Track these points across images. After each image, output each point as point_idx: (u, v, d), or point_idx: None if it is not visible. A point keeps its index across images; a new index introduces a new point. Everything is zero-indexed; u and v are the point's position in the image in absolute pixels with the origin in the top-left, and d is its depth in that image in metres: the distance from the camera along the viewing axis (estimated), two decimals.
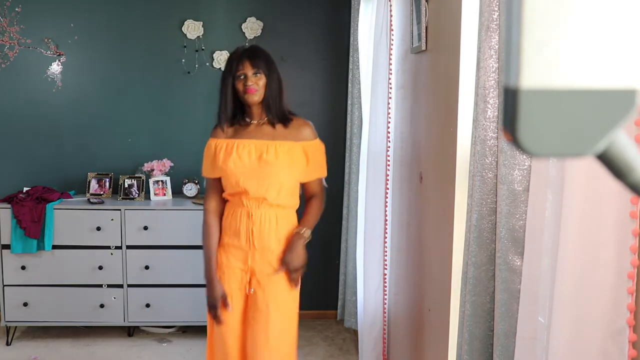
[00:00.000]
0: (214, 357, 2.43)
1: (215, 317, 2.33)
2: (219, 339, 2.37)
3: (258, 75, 2.28)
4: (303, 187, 2.42)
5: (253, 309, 2.34)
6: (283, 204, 2.33)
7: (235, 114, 2.35)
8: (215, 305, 2.32)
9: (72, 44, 3.96)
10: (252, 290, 2.33)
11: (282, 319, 2.34)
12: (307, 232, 2.36)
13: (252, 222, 2.30)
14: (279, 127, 2.33)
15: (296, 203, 2.40)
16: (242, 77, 2.27)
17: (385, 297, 3.13)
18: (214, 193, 2.40)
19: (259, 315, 2.32)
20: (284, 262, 2.31)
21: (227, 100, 2.30)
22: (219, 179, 2.36)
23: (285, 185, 2.31)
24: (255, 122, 2.34)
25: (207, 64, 4.01)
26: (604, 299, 1.13)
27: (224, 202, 2.41)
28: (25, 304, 3.67)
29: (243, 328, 2.37)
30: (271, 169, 2.27)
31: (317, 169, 2.38)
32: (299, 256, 2.33)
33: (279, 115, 2.32)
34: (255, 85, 2.26)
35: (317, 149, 2.38)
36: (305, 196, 2.46)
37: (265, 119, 2.34)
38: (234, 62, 2.29)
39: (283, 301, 2.35)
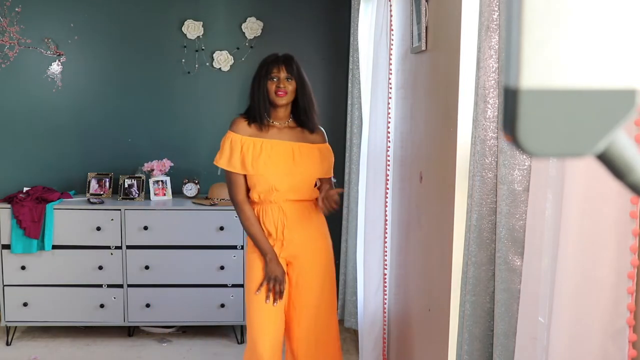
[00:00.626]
0: (256, 340, 2.52)
1: (279, 294, 2.49)
2: (267, 319, 2.50)
3: (290, 80, 2.48)
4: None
5: (296, 295, 2.57)
6: (308, 197, 2.57)
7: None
8: (281, 280, 2.50)
9: (72, 44, 3.96)
10: (294, 274, 2.58)
11: (321, 298, 2.58)
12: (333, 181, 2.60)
13: (284, 217, 2.51)
14: (298, 130, 2.55)
15: (316, 193, 2.60)
16: (275, 79, 2.47)
17: (385, 297, 3.13)
18: (241, 185, 2.52)
19: (301, 300, 2.56)
20: (327, 193, 2.46)
21: (264, 99, 2.48)
22: (244, 175, 2.51)
23: (309, 182, 2.56)
24: (277, 124, 2.53)
25: (207, 64, 4.01)
26: (604, 299, 1.13)
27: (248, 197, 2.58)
28: (25, 304, 3.67)
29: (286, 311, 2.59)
30: (299, 169, 2.50)
31: (327, 169, 2.63)
32: (334, 192, 2.47)
33: (311, 124, 2.53)
34: (286, 89, 2.46)
35: (328, 151, 2.65)
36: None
37: (289, 122, 2.54)
38: (270, 64, 2.49)
39: (320, 282, 2.60)
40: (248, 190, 2.55)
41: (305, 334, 2.58)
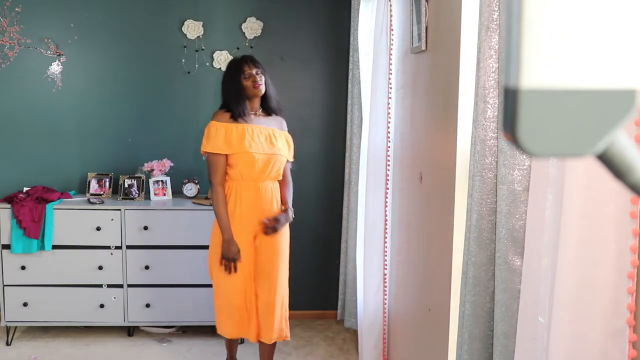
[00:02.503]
0: (224, 303, 2.97)
1: (234, 268, 2.87)
2: (232, 287, 2.92)
3: (259, 74, 2.88)
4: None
5: (261, 259, 2.95)
6: (277, 178, 2.98)
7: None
8: (234, 259, 2.86)
9: (72, 44, 3.96)
10: (258, 243, 2.94)
11: (283, 260, 3.00)
12: (291, 212, 3.02)
13: (258, 193, 2.89)
14: (269, 118, 2.96)
15: (280, 177, 3.02)
16: (248, 75, 2.86)
17: (385, 297, 3.13)
18: (221, 168, 2.88)
19: (267, 261, 2.95)
20: (275, 219, 2.91)
21: (241, 97, 2.86)
22: (225, 157, 2.86)
23: (282, 163, 2.95)
24: (253, 114, 2.92)
25: (207, 64, 4.01)
26: (604, 299, 1.13)
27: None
28: (25, 304, 3.67)
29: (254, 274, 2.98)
30: (276, 151, 2.90)
31: (291, 154, 3.06)
32: (282, 224, 2.94)
33: (276, 106, 2.96)
34: (261, 81, 2.87)
35: (290, 138, 3.06)
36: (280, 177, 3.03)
37: (260, 110, 2.95)
38: (241, 64, 2.88)
39: (282, 249, 2.99)
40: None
41: (266, 295, 2.96)
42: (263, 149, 2.85)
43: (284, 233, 3.00)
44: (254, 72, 2.85)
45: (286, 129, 3.05)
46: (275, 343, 3.05)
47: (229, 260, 2.87)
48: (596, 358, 1.14)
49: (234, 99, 2.85)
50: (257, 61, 2.91)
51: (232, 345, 3.27)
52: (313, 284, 4.22)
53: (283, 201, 3.02)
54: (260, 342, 3.05)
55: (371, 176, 3.16)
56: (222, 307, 2.99)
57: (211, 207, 3.69)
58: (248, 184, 2.88)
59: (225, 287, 2.94)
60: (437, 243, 2.23)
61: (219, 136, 2.82)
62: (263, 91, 2.88)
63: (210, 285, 3.72)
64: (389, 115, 2.96)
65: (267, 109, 2.95)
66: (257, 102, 2.92)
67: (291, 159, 3.07)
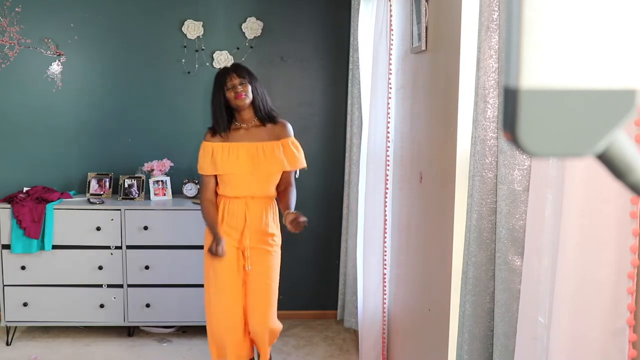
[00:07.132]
0: (213, 316, 2.99)
1: (219, 252, 2.80)
2: (221, 299, 2.91)
3: (244, 83, 2.81)
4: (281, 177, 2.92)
5: (251, 278, 2.91)
6: (269, 195, 2.90)
7: (229, 121, 2.87)
8: (219, 241, 2.80)
9: (72, 44, 3.96)
10: (249, 267, 2.89)
11: (271, 279, 2.93)
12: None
13: (247, 211, 2.85)
14: (267, 126, 2.88)
15: (275, 193, 2.94)
16: (231, 87, 2.81)
17: (385, 297, 3.13)
18: (211, 187, 2.92)
19: (256, 279, 2.91)
20: (291, 217, 2.76)
21: (221, 112, 2.84)
22: (214, 176, 2.89)
23: (271, 180, 2.88)
24: (245, 125, 2.88)
25: (207, 64, 4.01)
26: (604, 299, 1.13)
27: (216, 194, 2.94)
28: (25, 304, 3.67)
29: (243, 290, 2.95)
30: (262, 167, 2.83)
31: (291, 162, 2.88)
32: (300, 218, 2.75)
33: (268, 115, 2.87)
34: (244, 92, 2.80)
35: (293, 144, 2.90)
36: (281, 187, 2.94)
37: (254, 121, 2.88)
38: (222, 77, 2.83)
39: (271, 267, 2.93)
40: (216, 193, 2.94)
41: (258, 310, 2.94)
42: (246, 168, 2.82)
43: (275, 256, 2.94)
44: (236, 82, 2.79)
45: (289, 134, 2.90)
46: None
47: (212, 252, 2.82)
48: (596, 358, 1.14)
49: (216, 115, 2.85)
50: (243, 69, 2.83)
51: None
52: (313, 284, 4.22)
53: (284, 207, 2.88)
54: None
55: (371, 176, 3.17)
56: (210, 331, 3.06)
57: None
58: (237, 200, 2.86)
59: (214, 308, 2.96)
60: (437, 243, 2.23)
61: (207, 157, 2.86)
62: (247, 102, 2.81)
63: None
64: (389, 115, 2.96)
65: (260, 119, 2.88)
66: (248, 113, 2.86)
67: (300, 166, 2.91)
